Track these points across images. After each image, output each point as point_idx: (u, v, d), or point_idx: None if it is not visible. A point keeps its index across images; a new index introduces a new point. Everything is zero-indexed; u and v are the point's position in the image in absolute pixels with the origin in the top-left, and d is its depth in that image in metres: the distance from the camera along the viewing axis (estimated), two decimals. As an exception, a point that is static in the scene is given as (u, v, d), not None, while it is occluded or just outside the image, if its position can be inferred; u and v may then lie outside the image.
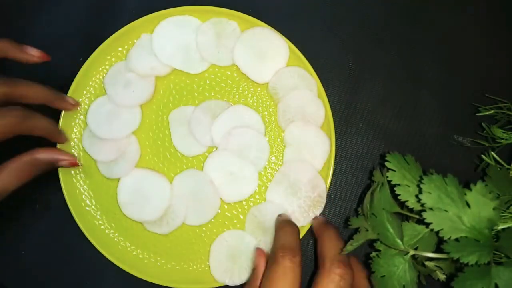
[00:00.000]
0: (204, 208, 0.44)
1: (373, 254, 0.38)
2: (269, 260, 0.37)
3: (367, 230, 0.39)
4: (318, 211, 0.43)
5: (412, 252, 0.37)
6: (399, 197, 0.38)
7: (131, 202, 0.44)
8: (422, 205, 0.35)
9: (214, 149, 0.45)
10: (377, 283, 0.37)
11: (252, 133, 0.44)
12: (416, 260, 0.37)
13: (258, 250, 0.39)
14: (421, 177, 0.36)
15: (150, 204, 0.43)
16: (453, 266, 0.37)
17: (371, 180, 0.43)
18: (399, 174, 0.38)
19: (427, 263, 0.38)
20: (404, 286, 0.36)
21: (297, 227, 0.40)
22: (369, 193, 0.40)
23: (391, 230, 0.37)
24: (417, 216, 0.38)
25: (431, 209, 0.35)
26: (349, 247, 0.39)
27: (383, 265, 0.37)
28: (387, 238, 0.37)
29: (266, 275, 0.36)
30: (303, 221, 0.43)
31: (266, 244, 0.43)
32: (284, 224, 0.40)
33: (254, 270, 0.38)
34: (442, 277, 0.38)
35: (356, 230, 0.40)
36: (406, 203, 0.37)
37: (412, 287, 0.36)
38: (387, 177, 0.39)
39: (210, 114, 0.45)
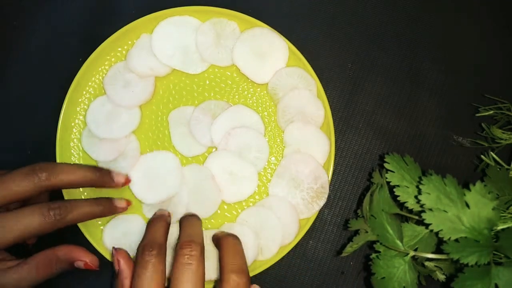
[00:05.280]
0: (205, 203, 0.44)
1: (373, 255, 0.38)
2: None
3: (367, 232, 0.39)
4: (321, 202, 0.43)
5: (412, 253, 0.37)
6: (398, 198, 0.38)
7: (142, 181, 0.43)
8: (422, 205, 0.35)
9: (214, 149, 0.45)
10: (377, 285, 0.37)
11: (251, 133, 0.44)
12: (416, 261, 0.37)
13: (117, 252, 0.38)
14: (420, 178, 0.36)
15: (162, 183, 0.43)
16: (453, 266, 0.37)
17: (370, 181, 0.43)
18: (398, 175, 0.38)
19: (426, 263, 0.38)
20: (404, 287, 0.36)
21: (165, 223, 0.40)
22: (368, 194, 0.40)
23: (391, 232, 0.37)
24: (416, 217, 0.38)
25: (430, 209, 0.35)
26: (349, 249, 0.39)
27: (383, 266, 0.37)
28: (387, 240, 0.37)
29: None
30: (308, 213, 0.43)
31: (267, 239, 0.43)
32: (152, 220, 0.40)
33: (118, 276, 0.37)
34: (441, 277, 0.38)
35: (356, 232, 0.40)
36: (406, 204, 0.37)
37: (412, 288, 0.36)
38: (386, 178, 0.39)
39: (210, 114, 0.45)
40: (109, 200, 0.41)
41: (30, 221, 0.35)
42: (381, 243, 0.37)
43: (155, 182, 0.44)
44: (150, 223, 0.40)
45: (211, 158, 0.44)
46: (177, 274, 0.34)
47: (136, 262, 0.36)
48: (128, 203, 0.42)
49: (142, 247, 0.36)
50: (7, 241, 0.35)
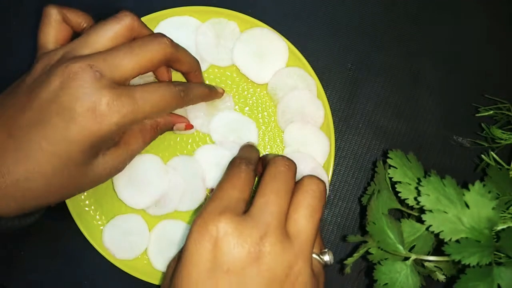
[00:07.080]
0: (193, 194, 0.44)
1: (374, 259, 0.38)
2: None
3: (366, 242, 0.39)
4: None
5: (413, 257, 0.36)
6: (399, 195, 0.38)
7: (126, 186, 0.43)
8: (422, 207, 0.35)
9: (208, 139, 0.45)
10: None
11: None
12: (416, 261, 0.37)
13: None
14: (419, 179, 0.36)
15: (149, 186, 0.43)
16: (452, 267, 0.37)
17: (374, 173, 0.43)
18: (401, 171, 0.38)
19: (426, 264, 0.38)
20: (406, 291, 0.36)
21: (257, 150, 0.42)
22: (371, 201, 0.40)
23: (392, 236, 0.37)
24: (416, 214, 0.38)
25: (430, 211, 0.35)
26: (350, 260, 0.39)
27: (385, 272, 0.36)
28: (388, 245, 0.37)
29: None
30: None
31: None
32: (245, 145, 0.43)
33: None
34: (441, 277, 0.38)
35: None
36: (406, 201, 0.37)
37: (415, 292, 0.36)
38: (388, 173, 0.38)
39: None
40: (212, 86, 0.44)
41: (163, 94, 0.36)
42: (381, 249, 0.37)
43: (141, 187, 0.43)
44: (245, 145, 0.43)
45: (204, 150, 0.44)
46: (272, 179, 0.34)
47: (231, 167, 0.36)
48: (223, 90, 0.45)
49: (240, 158, 0.37)
50: (147, 113, 0.36)
